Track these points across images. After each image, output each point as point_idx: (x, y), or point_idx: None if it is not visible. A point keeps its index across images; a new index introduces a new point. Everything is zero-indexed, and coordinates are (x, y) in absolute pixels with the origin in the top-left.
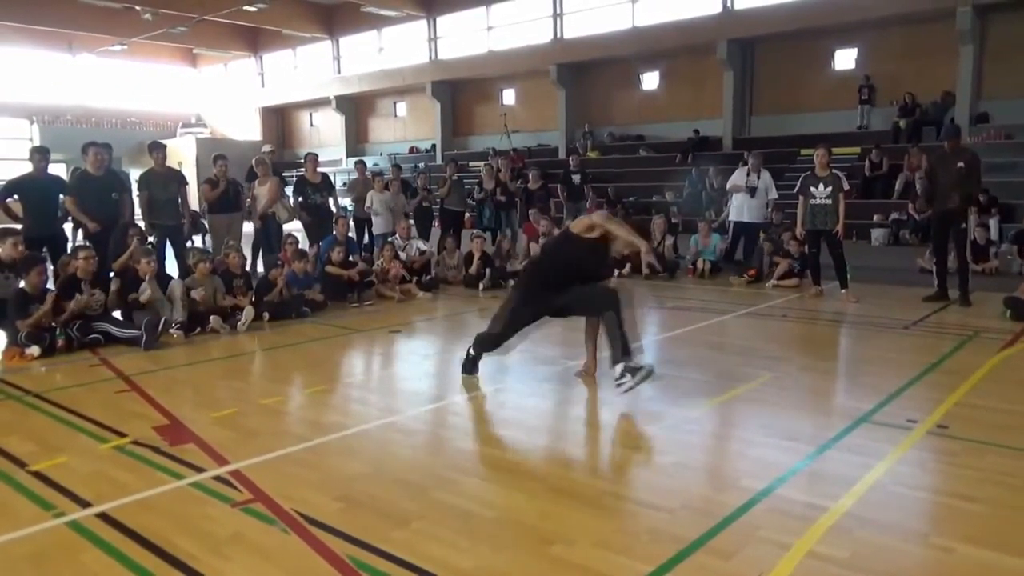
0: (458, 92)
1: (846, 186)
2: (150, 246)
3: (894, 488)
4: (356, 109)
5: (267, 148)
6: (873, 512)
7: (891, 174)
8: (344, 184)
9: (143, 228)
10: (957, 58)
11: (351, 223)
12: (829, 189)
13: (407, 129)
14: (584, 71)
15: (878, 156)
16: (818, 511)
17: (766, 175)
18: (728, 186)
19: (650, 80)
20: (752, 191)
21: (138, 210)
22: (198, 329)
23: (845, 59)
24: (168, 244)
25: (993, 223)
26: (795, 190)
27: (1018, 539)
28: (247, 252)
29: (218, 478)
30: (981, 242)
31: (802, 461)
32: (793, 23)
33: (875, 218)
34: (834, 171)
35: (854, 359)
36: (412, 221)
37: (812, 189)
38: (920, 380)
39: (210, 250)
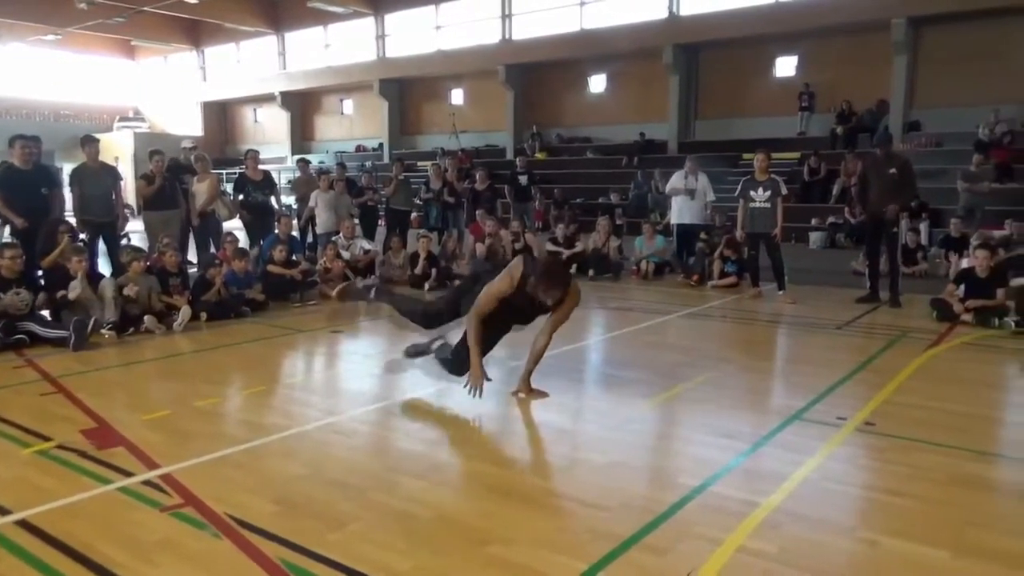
0: (406, 91)
1: (784, 191)
2: (81, 243)
3: (823, 483)
4: (302, 106)
5: (188, 143)
6: (802, 507)
7: (828, 179)
8: (289, 182)
9: (74, 224)
10: (891, 67)
11: (294, 222)
12: (768, 193)
13: (354, 127)
14: (533, 72)
15: (816, 162)
16: (750, 507)
17: (703, 178)
18: (667, 189)
19: (598, 83)
20: (691, 193)
21: (70, 206)
22: (131, 329)
23: (786, 66)
24: (101, 241)
25: (923, 228)
26: (735, 194)
27: (940, 532)
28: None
29: (148, 482)
30: (912, 246)
31: (737, 458)
32: (737, 30)
33: (813, 222)
34: (773, 176)
35: (789, 359)
36: (357, 220)
37: (751, 193)
38: (850, 379)
39: (144, 248)
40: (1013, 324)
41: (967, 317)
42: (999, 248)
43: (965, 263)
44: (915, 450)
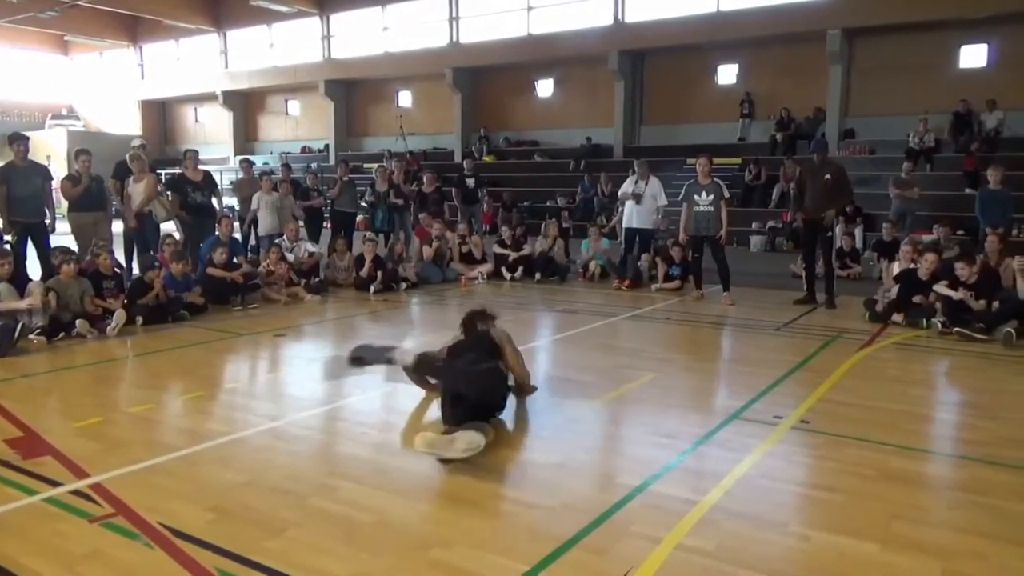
0: (353, 92)
1: (727, 194)
2: (7, 245)
3: (759, 481)
4: (245, 106)
5: (138, 142)
6: (739, 504)
7: (768, 184)
8: (231, 183)
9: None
10: (827, 77)
11: (236, 224)
12: (711, 197)
13: (299, 128)
14: (480, 75)
15: (756, 167)
16: (688, 505)
17: (655, 182)
18: (619, 195)
19: (545, 87)
20: (638, 198)
21: None
22: (62, 334)
23: (728, 74)
24: (30, 243)
25: (858, 232)
26: (679, 198)
27: (871, 525)
28: (119, 254)
29: (76, 492)
30: (847, 249)
31: (677, 457)
32: (680, 38)
33: (753, 225)
34: (715, 179)
35: (730, 359)
36: (301, 223)
37: (695, 197)
38: (787, 378)
39: (75, 250)
40: (940, 325)
41: (898, 319)
42: (926, 252)
43: (897, 266)
44: (847, 446)
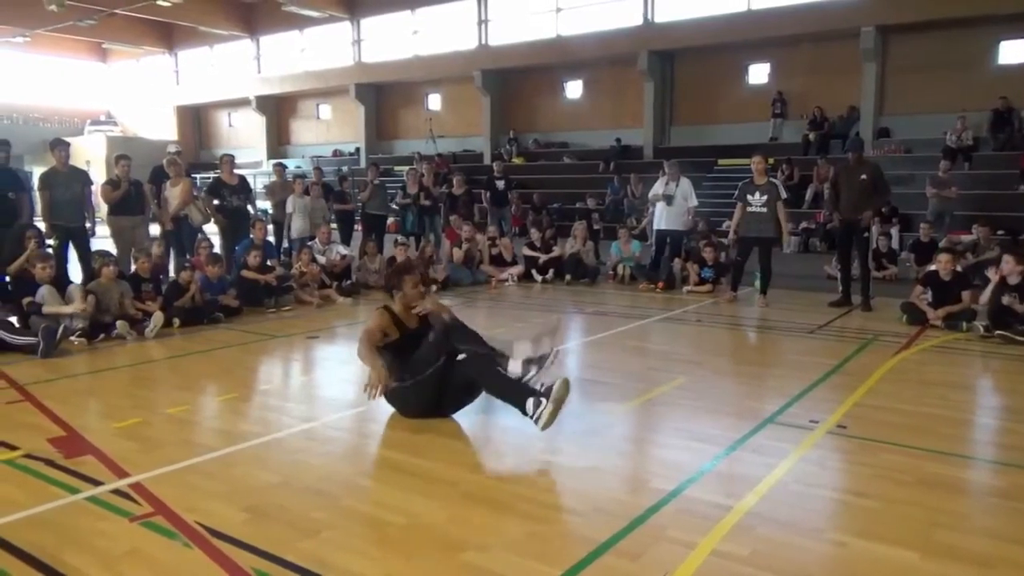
0: (383, 95)
1: (783, 194)
2: (49, 249)
3: (795, 486)
4: (277, 110)
5: (173, 148)
6: (774, 510)
7: (801, 185)
8: (264, 187)
9: (42, 229)
10: (861, 75)
11: (270, 227)
12: (765, 198)
13: (330, 132)
14: (509, 78)
15: (789, 168)
16: (723, 510)
17: (685, 183)
18: (649, 196)
19: (573, 89)
20: (669, 199)
21: (40, 211)
22: (102, 336)
23: (759, 73)
24: (71, 247)
25: (894, 232)
26: (734, 196)
27: (909, 533)
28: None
29: (117, 491)
30: (883, 250)
31: (710, 462)
32: (710, 37)
33: (788, 227)
34: (771, 179)
35: (763, 362)
36: (334, 225)
37: (749, 197)
38: (823, 382)
39: (114, 253)
40: (981, 328)
41: (937, 322)
42: (966, 252)
43: (932, 267)
44: (886, 452)
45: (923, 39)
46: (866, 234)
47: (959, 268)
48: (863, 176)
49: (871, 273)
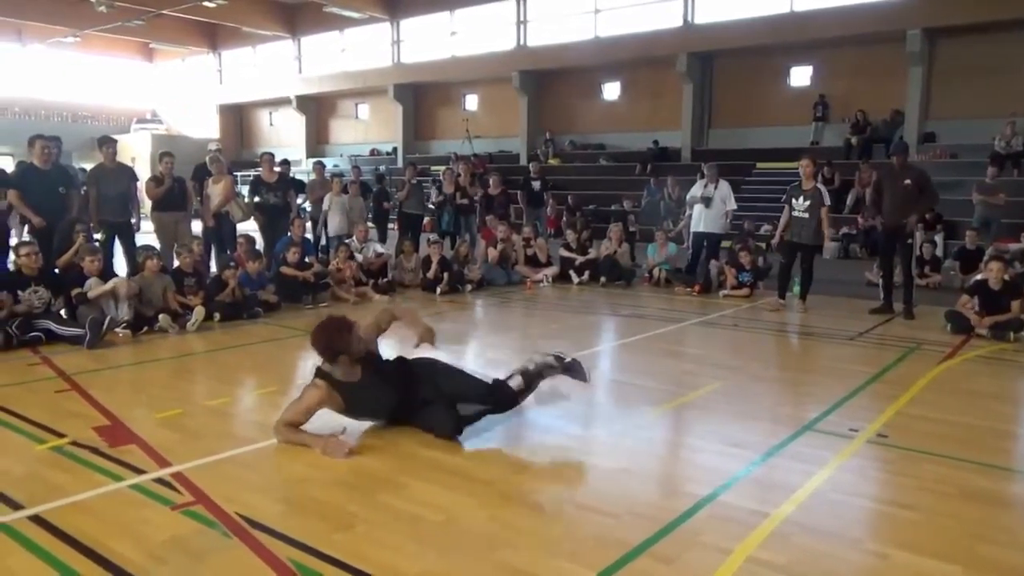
0: (421, 96)
1: (827, 201)
2: (96, 243)
3: (833, 495)
4: (317, 109)
5: (214, 145)
6: (812, 518)
7: (842, 189)
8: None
9: (90, 224)
10: (906, 78)
11: (308, 224)
12: (808, 203)
13: (368, 131)
14: (546, 79)
15: (830, 172)
16: (759, 517)
17: (724, 185)
18: (687, 198)
19: (611, 90)
20: (707, 202)
21: (88, 206)
22: (145, 328)
23: (800, 76)
24: (117, 241)
25: (939, 239)
26: (782, 199)
27: (953, 546)
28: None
29: (159, 480)
30: (927, 257)
31: (746, 468)
32: (751, 39)
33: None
34: (818, 186)
35: (801, 368)
36: (372, 224)
37: (793, 201)
38: (863, 390)
39: (158, 248)
40: None
41: (983, 331)
42: (1015, 261)
43: (980, 276)
44: (928, 463)
45: (971, 42)
46: (909, 240)
47: (1007, 277)
48: (907, 181)
49: (914, 280)
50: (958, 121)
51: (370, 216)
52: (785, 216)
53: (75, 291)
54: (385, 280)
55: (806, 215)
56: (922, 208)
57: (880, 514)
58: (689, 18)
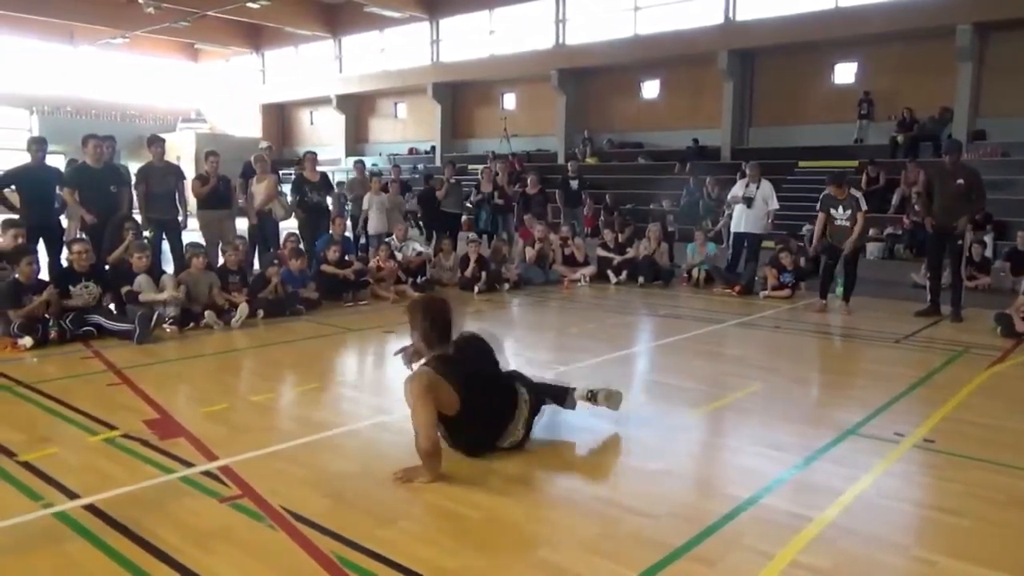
0: (459, 95)
1: (864, 207)
2: (145, 240)
3: (879, 500)
4: (356, 108)
5: (264, 145)
6: (857, 523)
7: (888, 188)
8: (340, 184)
9: (139, 222)
10: (955, 75)
11: (348, 222)
12: (848, 212)
13: (407, 130)
14: (585, 77)
15: (875, 170)
16: (802, 521)
17: (766, 185)
18: (728, 198)
19: (650, 88)
20: (748, 201)
21: (137, 204)
22: (192, 324)
23: (845, 73)
24: (164, 238)
25: (988, 240)
26: (817, 206)
27: (1001, 554)
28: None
29: (207, 473)
30: (977, 259)
31: (788, 471)
32: (794, 35)
33: (871, 232)
34: (851, 192)
35: (844, 371)
36: (421, 222)
37: (832, 211)
38: (909, 394)
39: (203, 245)
40: None
41: None
42: None
43: None
44: (976, 469)
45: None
46: (960, 242)
47: None
48: (959, 181)
49: (963, 282)
50: (1010, 119)
51: (419, 215)
52: (820, 224)
53: (125, 289)
54: (424, 279)
55: (848, 223)
56: (974, 210)
57: (927, 520)
58: (730, 15)
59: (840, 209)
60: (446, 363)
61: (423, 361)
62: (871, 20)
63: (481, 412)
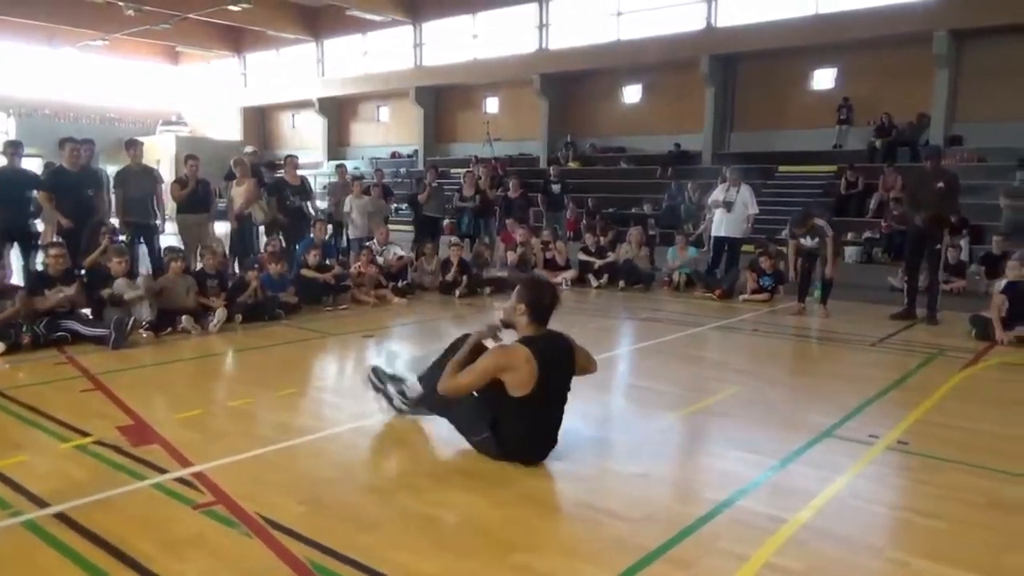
0: (442, 98)
1: (830, 232)
2: (122, 244)
3: (853, 502)
4: (338, 112)
5: (249, 149)
6: (831, 525)
7: (866, 193)
8: (323, 187)
9: (116, 226)
10: (932, 81)
11: (329, 226)
12: (816, 239)
13: (389, 134)
14: (568, 82)
15: (854, 175)
16: (777, 523)
17: (746, 189)
18: (709, 203)
19: (632, 93)
20: (728, 206)
21: (114, 208)
22: (168, 329)
23: (824, 79)
24: (142, 242)
25: (964, 244)
26: (783, 234)
27: (978, 556)
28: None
29: (181, 480)
30: (952, 262)
31: (764, 473)
32: (774, 41)
33: (849, 236)
34: (815, 223)
35: (820, 374)
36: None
37: (801, 240)
38: (883, 396)
39: (182, 249)
40: None
41: (1004, 339)
42: None
43: (1007, 278)
44: (950, 471)
45: (999, 44)
46: (938, 246)
47: None
48: (940, 184)
49: (940, 286)
50: (985, 124)
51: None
52: (792, 252)
53: (106, 291)
54: (405, 282)
55: (818, 247)
56: (946, 211)
57: (901, 522)
58: (712, 21)
59: (807, 238)
60: (535, 343)
61: (516, 337)
62: (850, 27)
63: (546, 402)
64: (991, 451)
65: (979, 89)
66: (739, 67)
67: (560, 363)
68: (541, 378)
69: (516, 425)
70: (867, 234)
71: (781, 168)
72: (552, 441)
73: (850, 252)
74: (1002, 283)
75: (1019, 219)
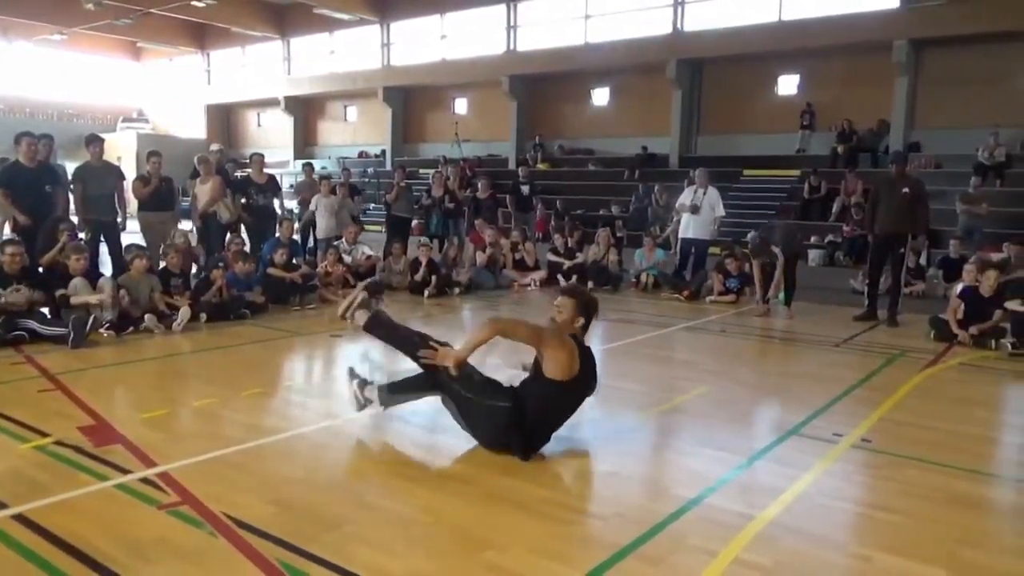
0: (410, 99)
1: (782, 258)
2: (82, 242)
3: (819, 499)
4: (305, 111)
5: (215, 147)
6: (797, 521)
7: (828, 197)
8: (291, 186)
9: (75, 223)
10: (892, 88)
11: (296, 225)
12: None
13: (357, 133)
14: (536, 83)
15: (816, 180)
16: (745, 520)
17: (712, 192)
18: (677, 205)
19: (601, 96)
20: (695, 209)
21: (73, 204)
22: (131, 328)
23: (788, 84)
24: (102, 240)
25: (922, 247)
26: (747, 250)
27: (935, 549)
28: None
29: (145, 480)
30: (912, 265)
31: (732, 471)
32: (740, 47)
33: (812, 239)
34: (771, 249)
35: (786, 374)
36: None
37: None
38: (847, 396)
39: (146, 247)
40: (1010, 346)
41: (965, 338)
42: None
43: (964, 282)
44: (911, 467)
45: (957, 53)
46: (902, 250)
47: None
48: (905, 190)
49: (901, 289)
50: (943, 131)
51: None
52: (758, 272)
53: (59, 293)
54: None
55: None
56: (921, 222)
57: (864, 517)
58: (679, 25)
59: (765, 256)
60: (582, 346)
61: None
62: (813, 34)
63: (573, 395)
64: (950, 448)
65: (937, 97)
66: (706, 71)
67: (589, 372)
68: (579, 373)
69: (542, 404)
70: (830, 237)
71: (746, 172)
72: (547, 438)
73: (813, 255)
74: (959, 287)
75: (974, 224)
